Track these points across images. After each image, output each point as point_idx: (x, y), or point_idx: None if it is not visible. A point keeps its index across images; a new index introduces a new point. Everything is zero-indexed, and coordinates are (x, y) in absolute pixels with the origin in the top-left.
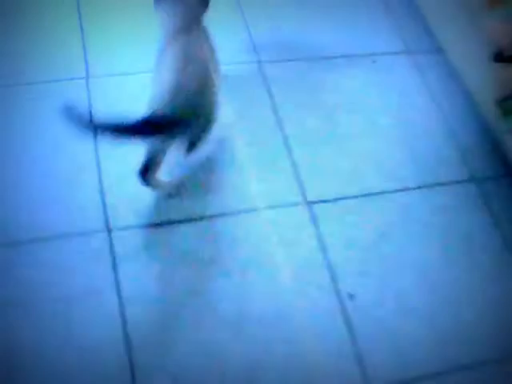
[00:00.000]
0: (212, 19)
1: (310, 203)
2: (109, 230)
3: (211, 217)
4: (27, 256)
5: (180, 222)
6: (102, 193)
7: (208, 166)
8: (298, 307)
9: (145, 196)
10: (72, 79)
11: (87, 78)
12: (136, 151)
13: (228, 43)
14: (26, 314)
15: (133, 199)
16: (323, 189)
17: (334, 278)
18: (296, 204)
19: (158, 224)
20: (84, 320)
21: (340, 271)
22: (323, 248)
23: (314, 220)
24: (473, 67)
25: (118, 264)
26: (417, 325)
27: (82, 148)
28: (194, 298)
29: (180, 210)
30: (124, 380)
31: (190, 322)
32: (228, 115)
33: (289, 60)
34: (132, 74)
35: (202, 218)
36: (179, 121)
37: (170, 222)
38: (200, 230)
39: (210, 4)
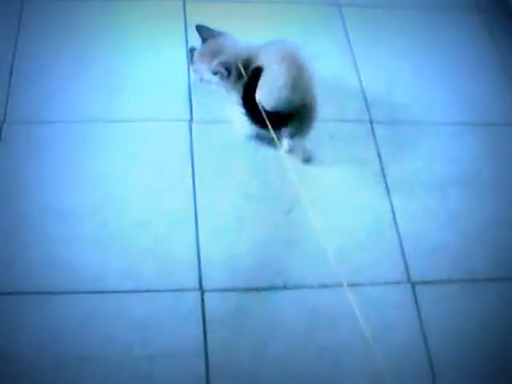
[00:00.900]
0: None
1: (414, 283)
2: (202, 291)
3: (309, 287)
4: (116, 307)
5: (275, 288)
6: (198, 249)
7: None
8: None
9: (241, 257)
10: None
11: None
12: (232, 203)
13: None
14: (106, 369)
15: (228, 259)
16: (428, 268)
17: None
18: (398, 282)
19: (254, 289)
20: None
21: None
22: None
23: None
24: None
25: (207, 328)
26: None
27: (180, 199)
28: (285, 375)
29: (275, 276)
30: None
31: None
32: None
33: (400, 122)
34: None
35: (300, 287)
36: (293, 114)
37: (266, 289)
38: (297, 301)
39: None
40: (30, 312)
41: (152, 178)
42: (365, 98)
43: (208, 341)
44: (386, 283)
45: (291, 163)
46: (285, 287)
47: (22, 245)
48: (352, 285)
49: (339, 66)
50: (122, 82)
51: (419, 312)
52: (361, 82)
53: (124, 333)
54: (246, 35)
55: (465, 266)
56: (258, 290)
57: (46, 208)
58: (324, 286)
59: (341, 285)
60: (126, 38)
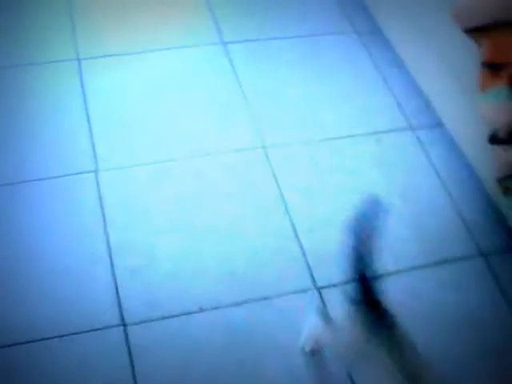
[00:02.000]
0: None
1: (320, 288)
2: (124, 325)
3: (223, 306)
4: (43, 353)
5: (193, 313)
6: (115, 286)
7: None
8: None
9: (158, 288)
10: (80, 173)
11: (96, 171)
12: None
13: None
14: None
15: (149, 293)
16: (331, 273)
17: None
18: (305, 290)
19: (174, 316)
20: None
21: None
22: None
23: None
24: (473, 143)
25: (134, 358)
26: None
27: (92, 241)
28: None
29: (191, 302)
30: None
31: None
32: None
33: (293, 143)
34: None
35: (216, 308)
36: None
37: (185, 313)
38: (214, 321)
39: None
40: None
41: (65, 227)
42: (256, 127)
43: (136, 370)
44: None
45: None
46: (201, 310)
47: None
48: (262, 298)
49: (230, 101)
50: (29, 143)
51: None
52: (251, 111)
53: (55, 377)
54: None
55: None
56: (176, 316)
57: None
58: (237, 304)
59: (252, 300)
60: (27, 101)
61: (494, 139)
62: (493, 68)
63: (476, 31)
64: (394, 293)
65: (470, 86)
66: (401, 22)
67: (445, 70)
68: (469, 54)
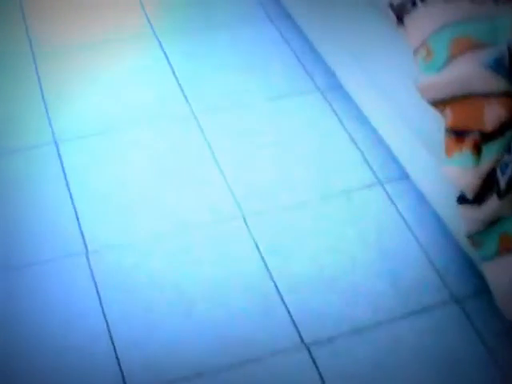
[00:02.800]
0: None
1: (308, 344)
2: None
3: (222, 368)
4: None
5: (192, 378)
6: (116, 358)
7: None
8: None
9: (157, 356)
10: (71, 255)
11: (87, 253)
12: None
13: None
14: None
15: (149, 362)
16: (317, 329)
17: None
18: (294, 348)
19: (172, 380)
20: None
21: None
22: None
23: (314, 363)
24: (440, 197)
25: None
26: None
27: (90, 319)
28: None
29: (191, 367)
30: None
31: None
32: None
33: (269, 209)
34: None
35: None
36: None
37: (183, 379)
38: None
39: None
40: None
41: (63, 307)
42: (232, 194)
43: None
44: (284, 351)
45: None
46: (197, 375)
47: None
48: (255, 359)
49: (203, 170)
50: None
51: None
52: (226, 178)
53: None
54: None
55: (349, 320)
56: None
57: None
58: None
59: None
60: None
61: (462, 200)
62: (457, 135)
63: (440, 102)
64: (374, 343)
65: (434, 145)
66: (361, 78)
67: (408, 128)
68: (432, 116)
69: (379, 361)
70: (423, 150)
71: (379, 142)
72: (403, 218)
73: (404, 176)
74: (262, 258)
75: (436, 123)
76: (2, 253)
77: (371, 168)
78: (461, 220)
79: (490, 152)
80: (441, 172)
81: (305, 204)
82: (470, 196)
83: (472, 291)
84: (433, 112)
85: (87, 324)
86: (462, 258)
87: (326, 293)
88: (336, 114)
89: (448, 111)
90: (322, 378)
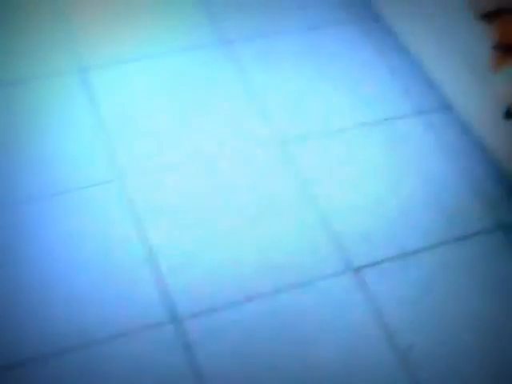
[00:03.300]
0: None
1: (358, 269)
2: (174, 321)
3: (271, 293)
4: (96, 356)
5: (242, 301)
6: (161, 284)
7: None
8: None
9: (202, 282)
10: (105, 182)
11: (120, 178)
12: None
13: (244, 124)
14: None
15: (194, 287)
16: (364, 253)
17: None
18: (342, 272)
19: (222, 307)
20: None
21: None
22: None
23: (363, 286)
24: (485, 123)
25: (190, 353)
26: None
27: (133, 244)
28: (270, 370)
29: (237, 289)
30: None
31: None
32: None
33: (310, 139)
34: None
35: (260, 296)
36: None
37: (232, 304)
38: (262, 307)
39: None
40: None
41: (100, 235)
42: (273, 121)
43: (193, 364)
44: (331, 275)
45: None
46: (247, 299)
47: None
48: (302, 283)
49: (238, 98)
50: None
51: (367, 294)
52: (264, 106)
53: (118, 375)
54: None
55: (397, 244)
56: (224, 307)
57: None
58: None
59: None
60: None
61: (509, 114)
62: (504, 50)
63: (488, 16)
64: (422, 267)
65: (478, 67)
66: (403, 7)
67: (451, 51)
68: (475, 36)
69: (428, 284)
70: (467, 73)
71: (420, 72)
72: (446, 147)
73: (446, 106)
74: (303, 185)
75: (480, 45)
76: (36, 181)
77: (412, 98)
78: (505, 141)
79: None
80: (485, 95)
81: (345, 131)
82: None
83: None
84: (477, 33)
85: (127, 249)
86: (507, 186)
87: (371, 217)
88: (375, 45)
89: (496, 25)
90: (370, 300)
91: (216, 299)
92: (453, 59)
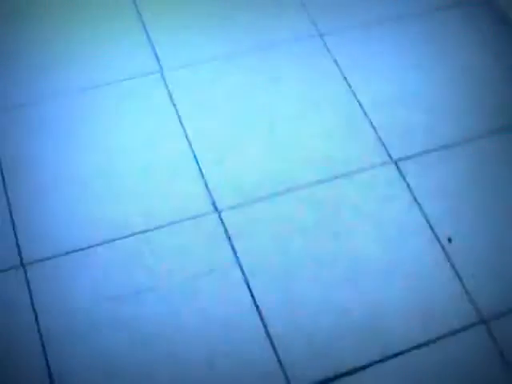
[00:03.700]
0: None
1: (398, 160)
2: (218, 211)
3: (312, 184)
4: (148, 245)
5: (284, 192)
6: (203, 177)
7: None
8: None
9: (244, 173)
10: (147, 75)
11: (161, 71)
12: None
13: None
14: (157, 298)
15: (233, 178)
16: (405, 145)
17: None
18: (382, 165)
19: (264, 197)
20: (211, 295)
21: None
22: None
23: (403, 178)
24: None
25: (234, 242)
26: None
27: (174, 141)
28: (310, 261)
29: (279, 183)
30: (262, 346)
31: (309, 280)
32: None
33: (343, 28)
34: (206, 62)
35: (301, 187)
36: None
37: (275, 194)
38: (304, 198)
39: None
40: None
41: (143, 127)
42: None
43: (238, 253)
44: (372, 167)
45: None
46: (288, 190)
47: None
48: (343, 175)
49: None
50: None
51: (408, 185)
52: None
53: (164, 266)
54: None
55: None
56: (265, 197)
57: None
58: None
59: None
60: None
61: None
62: None
63: None
64: (463, 159)
65: None
66: None
67: None
68: None
69: (469, 176)
70: None
71: None
72: (485, 40)
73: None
74: (344, 76)
75: None
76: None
77: None
78: None
79: None
80: None
81: (382, 24)
82: None
83: None
84: None
85: (170, 143)
86: None
87: (411, 110)
88: None
89: None
90: (410, 192)
91: (257, 191)
92: None
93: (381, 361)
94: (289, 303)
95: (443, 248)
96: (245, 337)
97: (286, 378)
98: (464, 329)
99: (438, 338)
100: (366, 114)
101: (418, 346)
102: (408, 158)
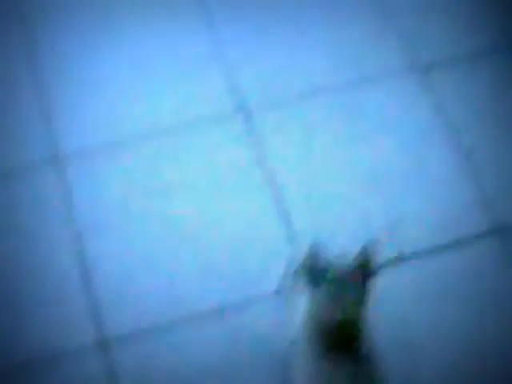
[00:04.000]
0: None
1: (425, 69)
2: (246, 111)
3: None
4: (180, 144)
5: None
6: (231, 75)
7: None
8: None
9: (275, 73)
10: None
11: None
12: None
13: None
14: (185, 193)
15: (263, 77)
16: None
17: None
18: (409, 72)
19: (292, 99)
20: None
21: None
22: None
23: (429, 86)
24: None
25: (262, 142)
26: None
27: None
28: (332, 162)
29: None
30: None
31: (333, 181)
32: None
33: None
34: None
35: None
36: None
37: (300, 96)
38: (327, 103)
39: None
40: None
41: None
42: None
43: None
44: (399, 76)
45: None
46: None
47: None
48: (366, 82)
49: None
50: None
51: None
52: None
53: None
54: None
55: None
56: (292, 98)
57: None
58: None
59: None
60: None
61: None
62: None
63: None
64: (494, 71)
65: None
66: None
67: None
68: None
69: (495, 89)
70: None
71: None
72: None
73: None
74: None
75: None
76: None
77: None
78: None
79: None
80: None
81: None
82: None
83: None
84: None
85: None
86: None
87: (440, 17)
88: None
89: None
90: (437, 103)
91: (285, 93)
92: None
93: (399, 259)
94: (312, 202)
95: (464, 158)
96: (267, 230)
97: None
98: (479, 236)
99: (454, 244)
100: (394, 20)
101: (435, 250)
102: (436, 67)
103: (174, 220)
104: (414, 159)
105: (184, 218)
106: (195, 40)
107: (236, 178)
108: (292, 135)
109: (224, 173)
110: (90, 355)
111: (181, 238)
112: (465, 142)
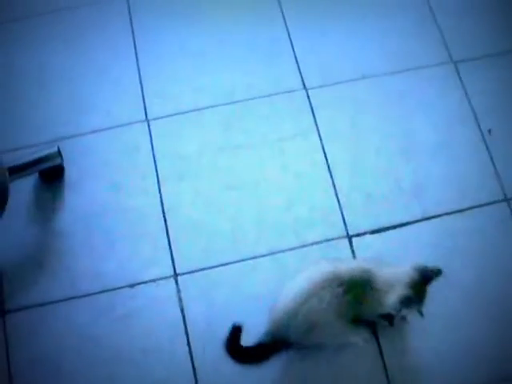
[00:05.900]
0: None
1: (456, 61)
2: (307, 89)
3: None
4: (248, 111)
5: (357, 79)
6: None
7: None
8: None
9: (334, 56)
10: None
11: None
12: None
13: None
14: (251, 153)
15: (323, 62)
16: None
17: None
18: (441, 64)
19: (343, 81)
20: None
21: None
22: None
23: (459, 75)
24: None
25: (316, 114)
26: None
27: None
28: (376, 135)
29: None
30: (329, 195)
31: (374, 152)
32: None
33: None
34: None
35: (375, 76)
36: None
37: (351, 80)
38: (373, 86)
39: None
40: None
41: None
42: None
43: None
44: (433, 65)
45: None
46: (363, 77)
47: None
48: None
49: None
50: None
51: (462, 83)
52: None
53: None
54: None
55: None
56: (344, 81)
57: None
58: (393, 73)
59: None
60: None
61: None
62: None
63: None
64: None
65: None
66: None
67: None
68: None
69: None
70: None
71: None
72: None
73: None
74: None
75: None
76: None
77: None
78: None
79: None
80: None
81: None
82: None
83: None
84: None
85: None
86: None
87: (478, 17)
88: None
89: None
90: (464, 90)
91: (339, 76)
92: None
93: (421, 220)
94: (355, 167)
95: (483, 137)
96: (316, 187)
97: (345, 223)
98: (490, 203)
99: (469, 208)
100: (434, 16)
101: (453, 212)
102: (466, 62)
103: (238, 174)
104: (441, 136)
105: (247, 173)
106: (270, 29)
107: (294, 143)
108: (343, 111)
109: (285, 138)
110: (164, 284)
111: (243, 190)
112: (485, 125)
